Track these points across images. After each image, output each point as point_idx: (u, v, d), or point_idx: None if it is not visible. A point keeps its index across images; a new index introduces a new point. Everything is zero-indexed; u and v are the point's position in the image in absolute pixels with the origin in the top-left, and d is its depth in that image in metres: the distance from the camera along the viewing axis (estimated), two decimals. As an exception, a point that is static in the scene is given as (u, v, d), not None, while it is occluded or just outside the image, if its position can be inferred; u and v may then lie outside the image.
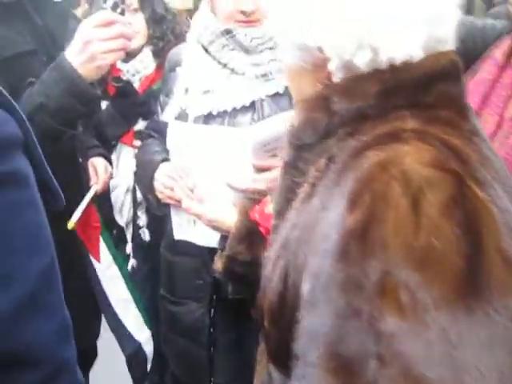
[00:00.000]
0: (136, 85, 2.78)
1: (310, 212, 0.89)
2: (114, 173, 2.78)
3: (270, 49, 1.99)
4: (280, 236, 1.00)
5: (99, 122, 2.74)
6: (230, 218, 1.54)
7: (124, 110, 2.73)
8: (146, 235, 2.77)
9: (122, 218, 2.85)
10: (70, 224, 2.02)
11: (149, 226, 2.80)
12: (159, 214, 2.19)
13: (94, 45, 1.65)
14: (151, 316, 2.45)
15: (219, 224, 1.60)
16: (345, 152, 0.88)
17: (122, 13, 1.75)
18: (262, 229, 1.40)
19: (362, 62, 0.87)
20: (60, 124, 1.73)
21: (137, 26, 2.69)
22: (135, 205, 2.80)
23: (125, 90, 2.69)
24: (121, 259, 2.42)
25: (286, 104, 1.95)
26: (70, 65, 1.67)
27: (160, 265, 2.31)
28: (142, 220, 2.78)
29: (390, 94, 0.88)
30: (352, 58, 0.87)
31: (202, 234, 1.94)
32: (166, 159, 2.03)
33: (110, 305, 2.30)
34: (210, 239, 1.87)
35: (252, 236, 1.45)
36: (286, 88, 1.93)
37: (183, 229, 2.01)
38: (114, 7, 1.73)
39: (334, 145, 0.92)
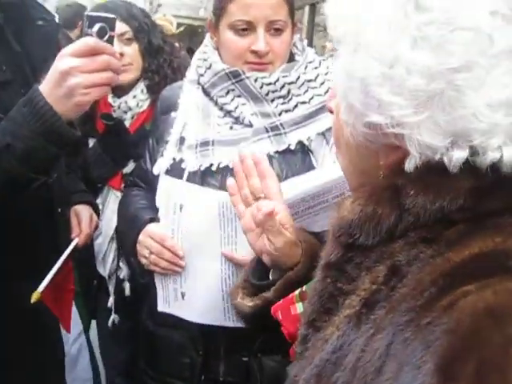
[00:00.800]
0: (127, 122, 2.48)
1: (365, 352, 0.72)
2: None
3: (282, 98, 1.72)
4: (313, 358, 0.84)
5: (84, 161, 2.45)
6: (292, 253, 1.32)
7: (113, 150, 2.43)
8: (127, 289, 2.45)
9: (105, 268, 2.54)
10: (35, 295, 1.70)
11: (131, 280, 2.47)
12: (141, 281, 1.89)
13: (73, 77, 1.38)
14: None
15: (278, 255, 1.33)
16: (419, 267, 0.74)
17: (110, 40, 1.44)
18: (284, 330, 1.20)
19: (455, 162, 0.73)
20: (29, 170, 1.45)
21: (130, 57, 2.41)
22: (119, 255, 2.49)
23: (115, 129, 2.40)
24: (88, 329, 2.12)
25: (298, 163, 1.69)
26: (43, 100, 1.40)
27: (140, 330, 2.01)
28: (124, 272, 2.45)
29: (486, 193, 0.75)
30: (441, 157, 0.74)
31: (191, 308, 1.70)
32: (153, 219, 1.75)
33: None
34: (201, 315, 1.68)
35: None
36: (300, 144, 1.67)
37: (169, 301, 1.72)
38: (101, 33, 1.42)
39: (399, 251, 0.78)
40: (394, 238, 0.79)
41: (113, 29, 1.43)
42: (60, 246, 1.92)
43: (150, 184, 1.87)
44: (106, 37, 1.42)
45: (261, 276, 1.38)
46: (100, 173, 2.48)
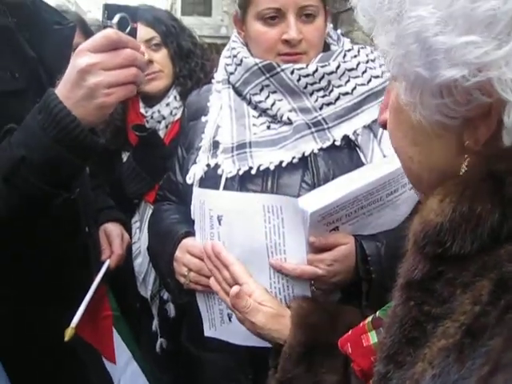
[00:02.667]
0: (162, 132, 2.36)
1: None
2: (136, 237, 2.37)
3: (322, 90, 1.55)
4: None
5: (119, 176, 2.33)
6: (281, 326, 1.25)
7: (148, 163, 2.30)
8: (171, 311, 2.31)
9: (147, 289, 2.40)
10: (69, 332, 1.55)
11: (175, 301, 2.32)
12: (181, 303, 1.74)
13: (94, 76, 1.20)
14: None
15: (266, 331, 1.27)
16: None
17: (133, 33, 1.26)
18: (355, 365, 1.02)
19: None
20: (48, 184, 1.28)
21: (160, 64, 2.28)
22: (162, 274, 2.35)
23: (149, 140, 2.27)
24: (138, 353, 1.96)
25: (345, 160, 1.52)
26: (60, 104, 1.22)
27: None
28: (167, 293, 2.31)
29: None
30: None
31: (239, 331, 1.51)
32: (189, 233, 1.59)
33: None
34: (251, 337, 1.46)
35: (313, 353, 1.16)
36: (345, 139, 1.51)
37: (215, 325, 1.56)
38: (122, 25, 1.24)
39: (508, 259, 0.61)
40: (498, 242, 0.63)
41: (135, 20, 1.26)
42: (91, 268, 1.78)
43: (181, 197, 1.73)
44: (128, 29, 1.24)
45: None
46: (136, 188, 2.36)
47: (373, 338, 1.01)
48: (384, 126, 0.85)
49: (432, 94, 0.64)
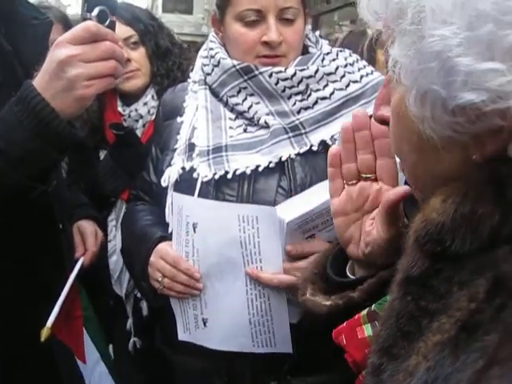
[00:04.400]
0: (139, 131, 2.34)
1: None
2: (112, 235, 2.34)
3: (300, 94, 1.54)
4: None
5: (96, 175, 2.30)
6: None
7: (125, 162, 2.26)
8: (144, 309, 2.29)
9: (122, 288, 2.38)
10: (45, 332, 1.53)
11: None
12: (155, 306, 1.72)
13: (73, 67, 1.19)
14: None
15: None
16: None
17: (112, 26, 1.26)
18: (348, 356, 1.02)
19: None
20: (26, 177, 1.27)
21: (138, 62, 2.25)
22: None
23: (126, 139, 2.24)
24: (107, 353, 1.95)
25: (322, 165, 1.51)
26: (38, 96, 1.21)
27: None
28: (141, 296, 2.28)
29: None
30: None
31: (214, 335, 1.54)
32: (164, 237, 1.58)
33: None
34: (226, 342, 1.52)
35: None
36: (323, 144, 1.50)
37: (190, 329, 1.55)
38: (101, 18, 1.24)
39: (505, 259, 0.63)
40: (497, 242, 0.64)
41: (114, 13, 1.26)
42: (64, 265, 1.75)
43: (155, 197, 1.71)
44: (108, 21, 1.25)
45: (337, 271, 1.16)
46: (113, 186, 2.33)
47: (367, 330, 1.01)
48: (381, 123, 0.84)
49: (445, 111, 0.64)
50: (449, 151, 0.70)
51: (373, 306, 1.02)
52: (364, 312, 1.03)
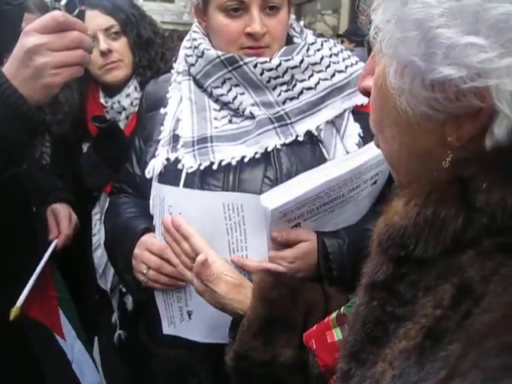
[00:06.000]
0: (122, 124, 2.31)
1: None
2: (96, 229, 2.32)
3: (286, 84, 1.53)
4: None
5: (78, 168, 2.28)
6: (242, 296, 1.25)
7: (108, 154, 2.23)
8: (129, 303, 2.27)
9: (107, 282, 2.36)
10: (14, 311, 1.56)
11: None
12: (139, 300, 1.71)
13: (41, 56, 1.23)
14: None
15: (227, 301, 1.26)
16: (503, 286, 0.56)
17: (80, 15, 1.29)
18: (319, 361, 1.03)
19: None
20: None
21: (120, 53, 2.20)
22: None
23: (109, 131, 2.20)
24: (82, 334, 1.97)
25: (308, 155, 1.50)
26: (7, 82, 1.25)
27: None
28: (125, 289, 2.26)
29: None
30: None
31: (199, 328, 1.52)
32: (148, 229, 1.56)
33: None
34: (211, 334, 1.50)
35: (271, 327, 1.17)
36: (308, 135, 1.49)
37: (175, 322, 1.54)
38: (70, 7, 1.27)
39: (470, 263, 0.61)
40: (461, 247, 0.62)
41: (83, 2, 1.29)
42: (38, 248, 1.77)
43: (138, 189, 1.69)
44: (76, 11, 1.28)
45: None
46: (96, 180, 2.30)
47: (337, 334, 1.01)
48: (364, 94, 0.83)
49: (423, 85, 0.63)
50: (424, 130, 0.68)
51: (342, 309, 1.03)
52: (333, 315, 1.04)
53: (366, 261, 0.76)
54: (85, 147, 2.35)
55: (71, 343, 1.87)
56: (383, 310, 0.69)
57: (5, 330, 1.56)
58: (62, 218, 2.09)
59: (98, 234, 2.32)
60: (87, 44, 1.29)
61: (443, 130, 0.65)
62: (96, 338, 2.60)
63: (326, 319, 1.05)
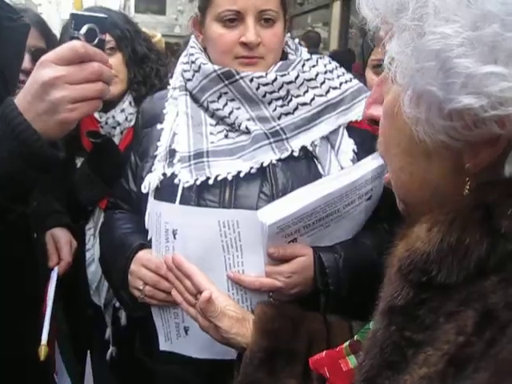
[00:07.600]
0: (117, 139, 2.31)
1: None
2: (90, 244, 2.32)
3: (281, 99, 1.55)
4: None
5: (72, 183, 2.27)
6: (245, 330, 1.24)
7: (103, 170, 2.22)
8: (123, 319, 2.26)
9: (100, 297, 2.35)
10: (43, 350, 1.53)
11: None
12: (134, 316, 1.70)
13: (58, 89, 1.13)
14: None
15: (231, 336, 1.25)
16: None
17: (101, 45, 1.19)
18: None
19: None
20: (5, 198, 1.20)
21: (115, 69, 2.19)
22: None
23: (103, 147, 2.19)
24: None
25: (303, 171, 1.51)
26: (20, 116, 1.14)
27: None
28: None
29: None
30: None
31: (196, 344, 1.51)
32: (144, 245, 1.56)
33: None
34: (209, 350, 1.49)
35: (274, 358, 1.16)
36: (303, 150, 1.50)
37: (171, 338, 1.53)
38: (89, 36, 1.16)
39: (493, 290, 0.60)
40: (484, 273, 0.61)
41: (104, 31, 1.20)
42: (38, 274, 1.73)
43: (133, 205, 1.69)
44: (96, 40, 1.18)
45: None
46: (90, 195, 2.28)
47: (352, 361, 0.99)
48: (370, 122, 0.83)
49: (440, 114, 0.62)
50: (440, 158, 0.67)
51: (355, 336, 1.01)
52: (346, 344, 1.01)
53: (380, 285, 0.75)
54: (79, 162, 2.34)
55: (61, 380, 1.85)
56: (401, 335, 0.68)
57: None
58: (63, 244, 2.04)
59: (92, 250, 2.32)
60: (107, 76, 1.19)
61: (460, 157, 0.65)
62: (88, 352, 2.58)
63: (338, 348, 1.03)
